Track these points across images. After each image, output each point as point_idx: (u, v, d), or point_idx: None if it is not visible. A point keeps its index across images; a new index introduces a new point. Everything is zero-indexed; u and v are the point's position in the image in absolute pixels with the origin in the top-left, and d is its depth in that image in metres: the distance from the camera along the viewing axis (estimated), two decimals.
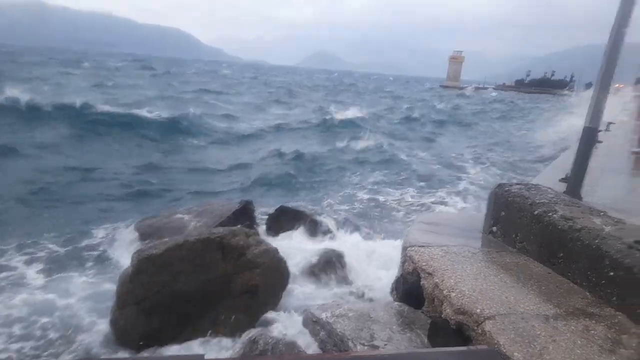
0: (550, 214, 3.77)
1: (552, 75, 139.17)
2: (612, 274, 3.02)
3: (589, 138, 5.94)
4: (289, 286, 4.85)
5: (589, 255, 3.23)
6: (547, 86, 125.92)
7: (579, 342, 2.54)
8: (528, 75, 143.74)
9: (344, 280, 5.11)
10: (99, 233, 7.01)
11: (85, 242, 6.61)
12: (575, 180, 6.02)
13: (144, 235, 6.33)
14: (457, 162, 15.43)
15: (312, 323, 3.68)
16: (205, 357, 1.99)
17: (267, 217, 6.95)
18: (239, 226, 5.01)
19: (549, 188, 4.67)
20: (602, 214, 3.80)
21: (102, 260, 5.95)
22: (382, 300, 4.08)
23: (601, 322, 2.79)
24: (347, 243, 6.10)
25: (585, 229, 3.40)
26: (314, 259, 5.45)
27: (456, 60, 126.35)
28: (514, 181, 6.10)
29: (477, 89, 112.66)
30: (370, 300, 4.44)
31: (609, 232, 3.30)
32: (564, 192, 5.36)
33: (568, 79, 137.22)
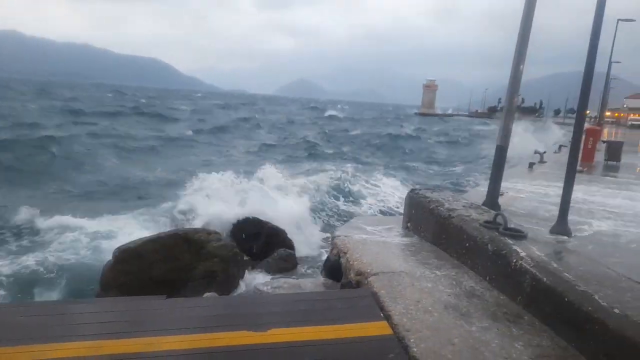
0: (439, 207, 4.94)
1: (522, 102, 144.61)
2: (467, 244, 4.18)
3: (501, 155, 7.15)
4: (249, 276, 5.91)
5: (457, 233, 4.39)
6: (517, 113, 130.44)
7: (429, 285, 3.67)
8: (499, 102, 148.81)
9: (293, 271, 6.19)
10: None
11: None
12: (492, 193, 7.21)
13: None
14: None
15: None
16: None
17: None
18: None
19: (451, 191, 5.88)
20: (477, 207, 5.00)
21: None
22: (312, 277, 5.16)
23: (454, 275, 3.93)
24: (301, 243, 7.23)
25: (458, 216, 4.57)
26: (270, 257, 6.55)
27: (430, 88, 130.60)
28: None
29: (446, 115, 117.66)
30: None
31: (473, 217, 4.48)
32: (483, 203, 6.48)
33: (538, 106, 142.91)
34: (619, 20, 29.48)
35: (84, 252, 6.95)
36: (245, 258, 6.31)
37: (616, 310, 2.60)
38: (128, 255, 5.06)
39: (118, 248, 5.29)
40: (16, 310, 3.34)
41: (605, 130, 39.86)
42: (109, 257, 5.31)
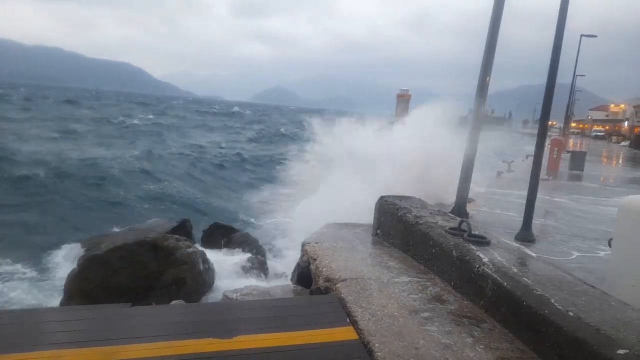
0: (407, 214, 5.03)
1: (492, 112, 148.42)
2: (433, 250, 4.28)
3: (468, 164, 7.34)
4: (219, 282, 5.86)
5: (424, 240, 4.48)
6: (487, 123, 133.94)
7: (397, 290, 3.73)
8: (469, 112, 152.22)
9: (265, 277, 6.19)
10: None
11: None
12: (460, 200, 7.38)
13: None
14: None
15: None
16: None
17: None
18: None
19: (419, 199, 5.99)
20: (443, 214, 5.12)
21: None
22: (282, 284, 5.16)
23: (420, 281, 4.01)
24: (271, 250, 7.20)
25: (425, 223, 4.67)
26: (242, 263, 6.52)
27: (403, 97, 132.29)
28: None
29: None
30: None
31: (439, 224, 4.59)
32: (451, 212, 6.59)
33: (507, 116, 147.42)
34: (582, 35, 30.72)
35: None
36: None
37: (570, 313, 2.71)
38: (93, 263, 4.96)
39: (83, 256, 5.18)
40: None
41: (570, 141, 41.37)
42: None
